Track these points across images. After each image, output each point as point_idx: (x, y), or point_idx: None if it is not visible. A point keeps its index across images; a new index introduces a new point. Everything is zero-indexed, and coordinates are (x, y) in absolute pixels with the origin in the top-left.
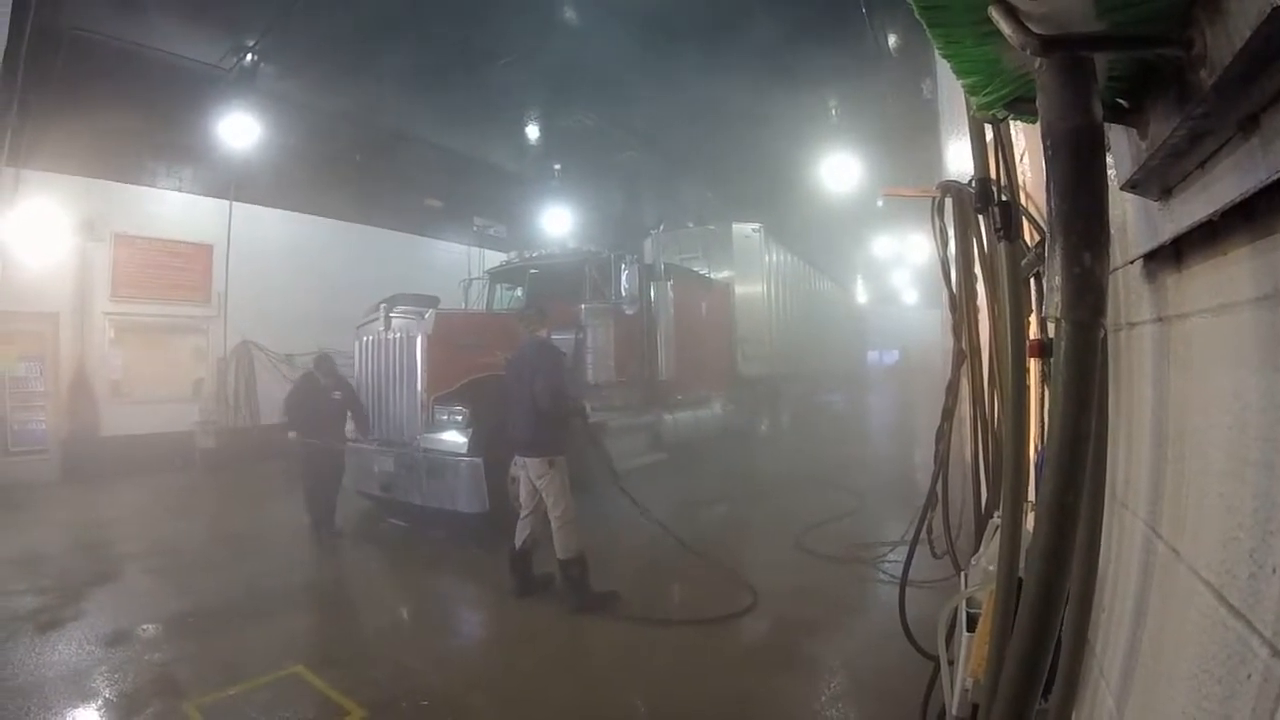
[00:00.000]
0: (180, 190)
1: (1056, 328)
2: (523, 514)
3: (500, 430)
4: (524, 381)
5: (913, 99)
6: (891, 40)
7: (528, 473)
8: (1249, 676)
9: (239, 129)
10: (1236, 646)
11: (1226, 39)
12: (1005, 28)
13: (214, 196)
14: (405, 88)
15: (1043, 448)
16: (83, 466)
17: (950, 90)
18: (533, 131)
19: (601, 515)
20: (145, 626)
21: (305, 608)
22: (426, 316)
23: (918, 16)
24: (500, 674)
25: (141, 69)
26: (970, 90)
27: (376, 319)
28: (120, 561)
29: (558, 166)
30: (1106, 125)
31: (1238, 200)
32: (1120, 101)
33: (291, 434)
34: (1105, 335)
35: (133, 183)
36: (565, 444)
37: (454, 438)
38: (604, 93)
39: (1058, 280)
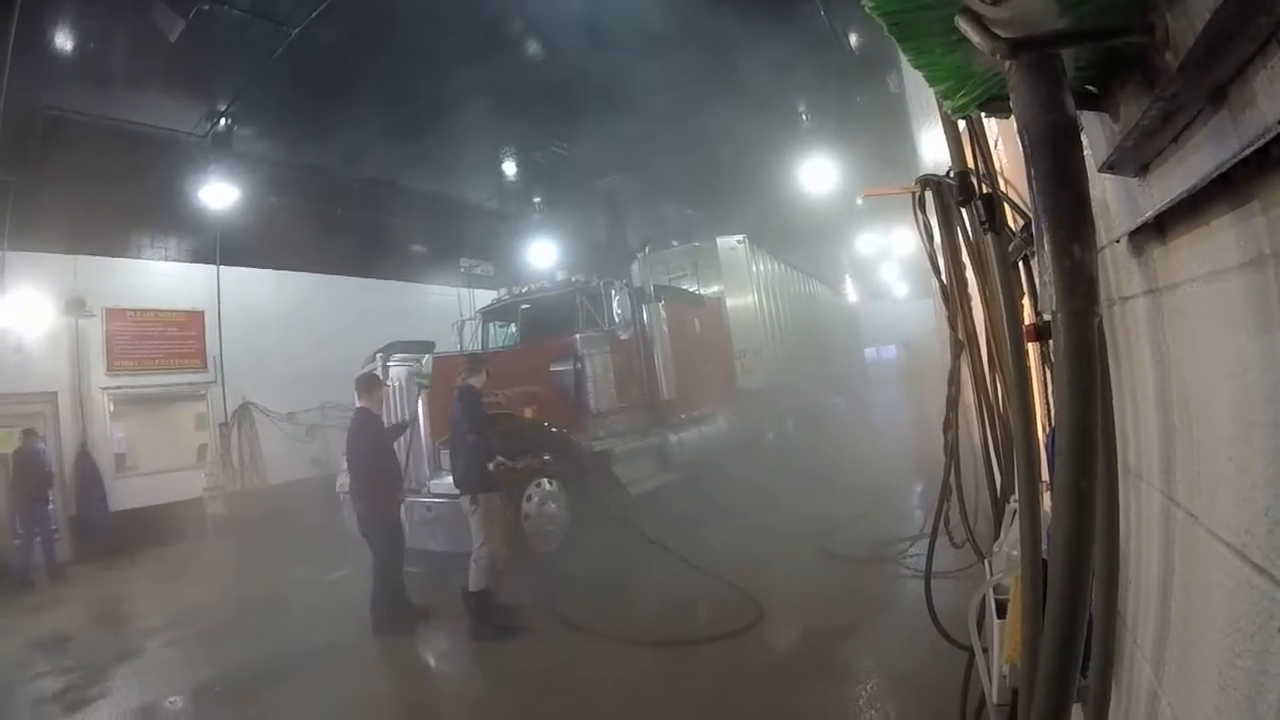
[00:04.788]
0: (167, 259)
1: (1053, 320)
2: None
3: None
4: (454, 426)
5: (880, 95)
6: (853, 40)
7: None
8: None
9: (219, 193)
10: (1264, 602)
11: (1188, 22)
12: (973, 35)
13: (201, 262)
14: (379, 137)
15: (1052, 429)
16: (94, 544)
17: (916, 82)
18: (510, 167)
19: (617, 543)
20: (172, 699)
21: (331, 667)
22: (424, 361)
23: (887, 33)
24: (537, 710)
25: (118, 143)
26: (944, 95)
27: (374, 369)
28: (141, 636)
29: (538, 199)
30: (1079, 112)
31: (1215, 174)
32: (1090, 88)
33: (342, 488)
34: (1100, 321)
35: (119, 256)
36: (489, 484)
37: None
38: (576, 122)
39: (1050, 275)
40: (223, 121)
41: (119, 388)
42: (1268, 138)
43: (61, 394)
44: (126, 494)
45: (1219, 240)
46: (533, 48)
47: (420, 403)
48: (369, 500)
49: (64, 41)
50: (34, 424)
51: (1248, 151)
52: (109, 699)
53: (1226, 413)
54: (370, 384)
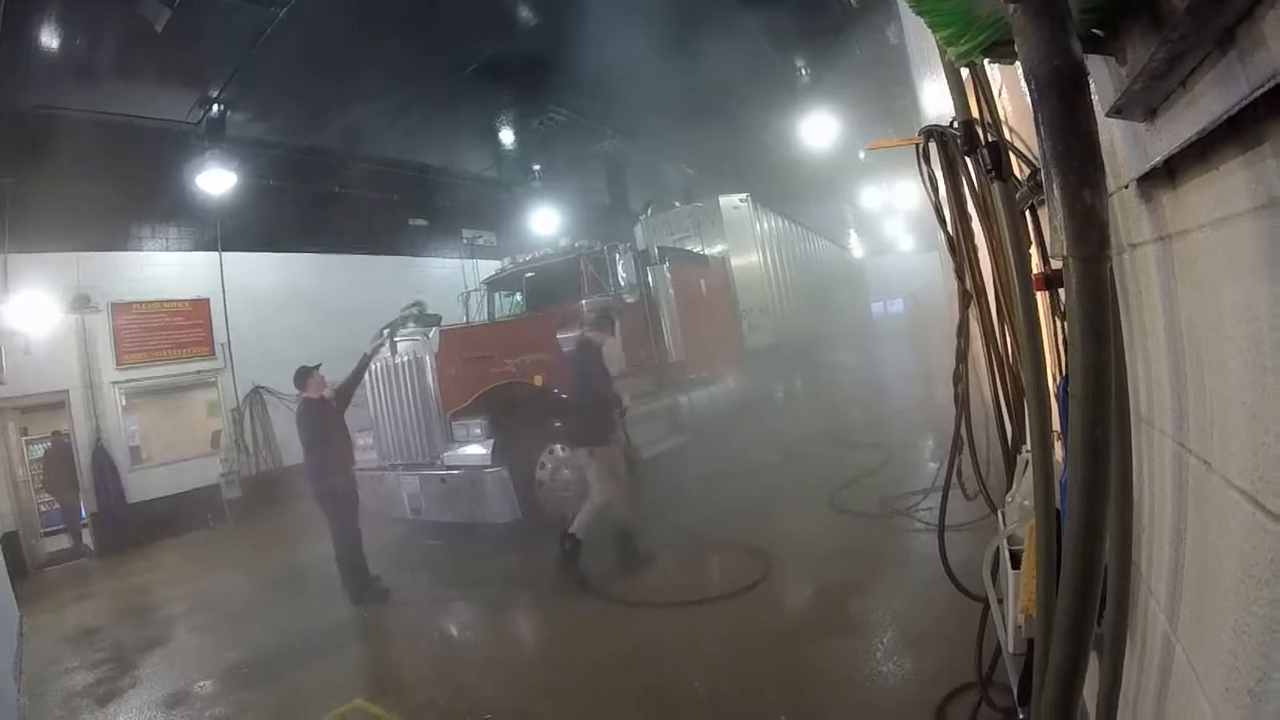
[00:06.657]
0: (168, 249)
1: (1065, 265)
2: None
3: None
4: (573, 379)
5: (880, 46)
6: None
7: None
8: None
9: (217, 180)
10: (1278, 548)
11: None
12: None
13: (203, 250)
14: (373, 113)
15: (1063, 378)
16: (115, 537)
17: (917, 32)
18: (506, 136)
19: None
20: (202, 683)
21: (356, 642)
22: (431, 335)
23: None
24: (558, 675)
25: (111, 137)
26: (947, 41)
27: (382, 345)
28: (167, 624)
29: (537, 167)
30: (1085, 56)
31: (1224, 117)
32: (1096, 32)
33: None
34: (1111, 266)
35: (121, 250)
36: (606, 436)
37: (476, 451)
38: (570, 86)
39: (1060, 220)
40: (215, 108)
41: (130, 381)
42: (1277, 80)
43: (73, 391)
44: (143, 485)
45: (1229, 184)
46: (524, 12)
47: (430, 377)
48: (321, 478)
49: (49, 39)
50: (48, 423)
51: (1257, 94)
52: (140, 688)
53: (1238, 359)
54: (304, 375)
